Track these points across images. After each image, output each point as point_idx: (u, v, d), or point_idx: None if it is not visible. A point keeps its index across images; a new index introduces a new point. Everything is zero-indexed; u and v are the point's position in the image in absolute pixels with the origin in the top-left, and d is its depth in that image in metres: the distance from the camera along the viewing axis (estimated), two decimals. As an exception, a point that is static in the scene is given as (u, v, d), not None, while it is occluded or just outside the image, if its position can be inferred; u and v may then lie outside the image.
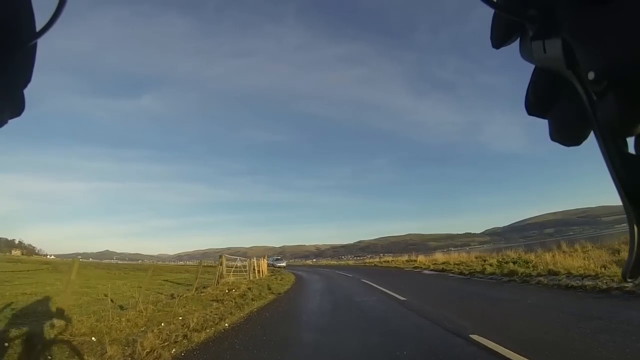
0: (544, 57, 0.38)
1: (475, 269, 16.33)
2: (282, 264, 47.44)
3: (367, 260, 49.24)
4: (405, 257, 36.97)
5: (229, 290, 11.71)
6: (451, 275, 16.93)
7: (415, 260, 31.20)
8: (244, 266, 21.15)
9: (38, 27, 0.46)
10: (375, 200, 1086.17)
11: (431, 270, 20.91)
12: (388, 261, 36.92)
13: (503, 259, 18.07)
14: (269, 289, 14.12)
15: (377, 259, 45.19)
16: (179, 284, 18.89)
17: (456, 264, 20.50)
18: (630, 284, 7.16)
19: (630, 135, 0.33)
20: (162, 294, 13.50)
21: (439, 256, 28.62)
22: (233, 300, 10.03)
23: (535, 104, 0.42)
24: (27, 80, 0.47)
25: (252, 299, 10.49)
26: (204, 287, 14.15)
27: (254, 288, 13.38)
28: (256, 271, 22.35)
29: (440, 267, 20.70)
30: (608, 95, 0.31)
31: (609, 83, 0.31)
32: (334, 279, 20.23)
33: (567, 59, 0.35)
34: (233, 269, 18.26)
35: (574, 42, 0.34)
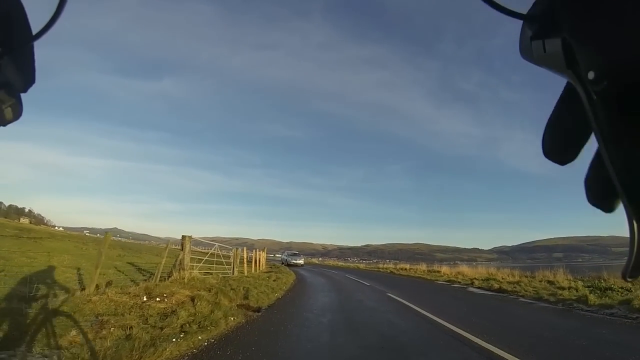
0: (544, 56, 0.37)
1: (561, 295, 10.41)
2: (298, 262, 35.29)
3: (381, 266, 41.90)
4: (424, 267, 30.86)
5: (148, 298, 5.83)
6: (524, 300, 10.91)
7: (439, 272, 25.23)
8: (230, 257, 15.46)
9: (35, 30, 0.45)
10: (385, 205, 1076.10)
11: (479, 287, 14.82)
12: (406, 269, 30.64)
13: (579, 280, 12.83)
14: (245, 298, 8.31)
15: (392, 265, 38.37)
16: (143, 269, 13.45)
17: (509, 282, 14.61)
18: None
19: (630, 134, 0.33)
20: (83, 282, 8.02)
21: (466, 269, 22.51)
22: (131, 327, 4.22)
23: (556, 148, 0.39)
24: (27, 82, 0.46)
25: (181, 327, 4.66)
26: (160, 279, 8.52)
27: (217, 295, 7.58)
28: (245, 265, 16.65)
29: (491, 285, 14.60)
30: (608, 95, 0.31)
31: (609, 83, 0.30)
32: (348, 288, 14.26)
33: (567, 58, 0.35)
34: (206, 257, 12.54)
35: (574, 41, 0.34)
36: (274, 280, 14.30)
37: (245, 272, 16.14)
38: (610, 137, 0.31)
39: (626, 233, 0.31)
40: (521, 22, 0.40)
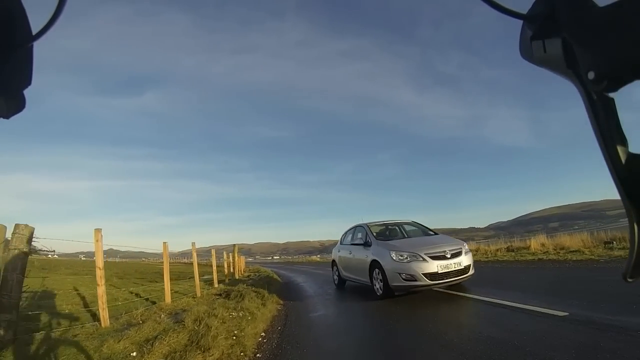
0: (544, 56, 0.37)
1: None
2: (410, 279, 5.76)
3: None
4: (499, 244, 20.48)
5: None
6: None
7: (527, 248, 15.27)
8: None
9: (35, 30, 0.44)
10: (378, 195, 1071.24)
11: None
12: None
13: None
14: None
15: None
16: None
17: None
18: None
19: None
20: None
21: (564, 239, 12.52)
22: None
23: None
24: (26, 82, 0.45)
25: None
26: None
27: None
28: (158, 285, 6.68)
29: None
30: (608, 95, 0.31)
31: (609, 83, 0.30)
32: None
33: (568, 58, 0.34)
34: None
35: (574, 41, 0.33)
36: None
37: (138, 317, 6.20)
38: (611, 137, 0.31)
39: (619, 196, 0.31)
40: (521, 22, 0.38)
